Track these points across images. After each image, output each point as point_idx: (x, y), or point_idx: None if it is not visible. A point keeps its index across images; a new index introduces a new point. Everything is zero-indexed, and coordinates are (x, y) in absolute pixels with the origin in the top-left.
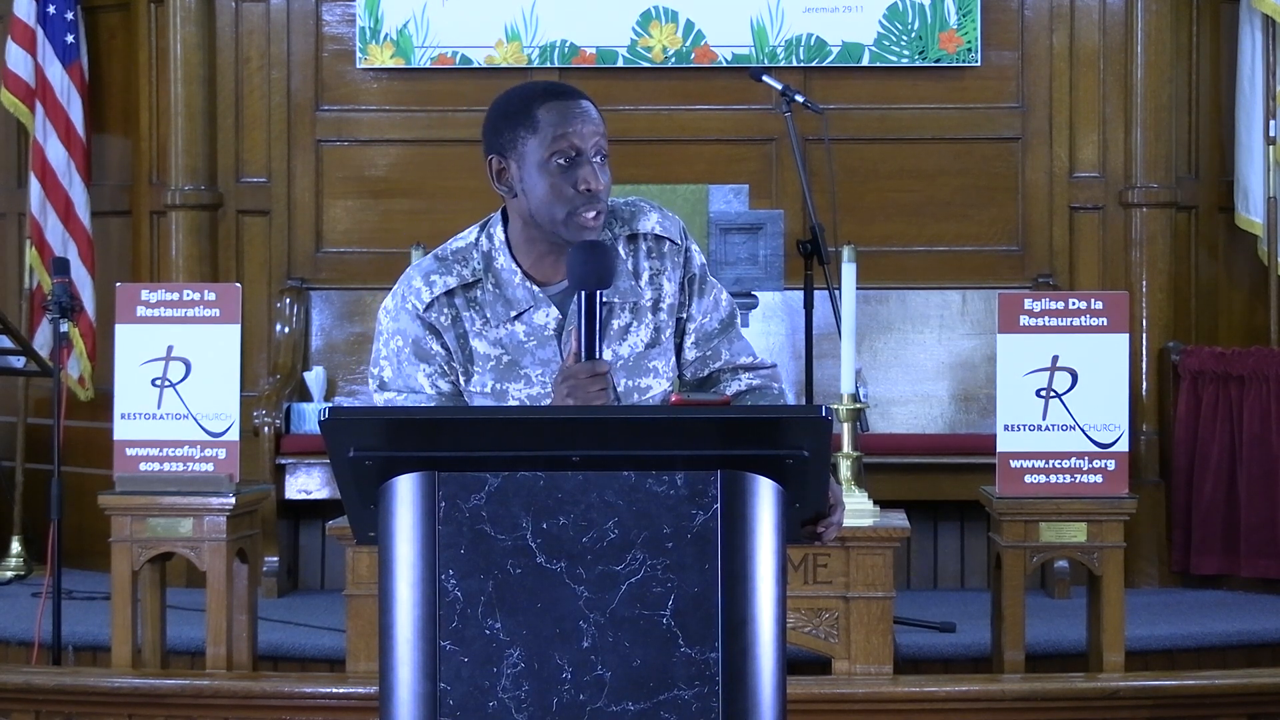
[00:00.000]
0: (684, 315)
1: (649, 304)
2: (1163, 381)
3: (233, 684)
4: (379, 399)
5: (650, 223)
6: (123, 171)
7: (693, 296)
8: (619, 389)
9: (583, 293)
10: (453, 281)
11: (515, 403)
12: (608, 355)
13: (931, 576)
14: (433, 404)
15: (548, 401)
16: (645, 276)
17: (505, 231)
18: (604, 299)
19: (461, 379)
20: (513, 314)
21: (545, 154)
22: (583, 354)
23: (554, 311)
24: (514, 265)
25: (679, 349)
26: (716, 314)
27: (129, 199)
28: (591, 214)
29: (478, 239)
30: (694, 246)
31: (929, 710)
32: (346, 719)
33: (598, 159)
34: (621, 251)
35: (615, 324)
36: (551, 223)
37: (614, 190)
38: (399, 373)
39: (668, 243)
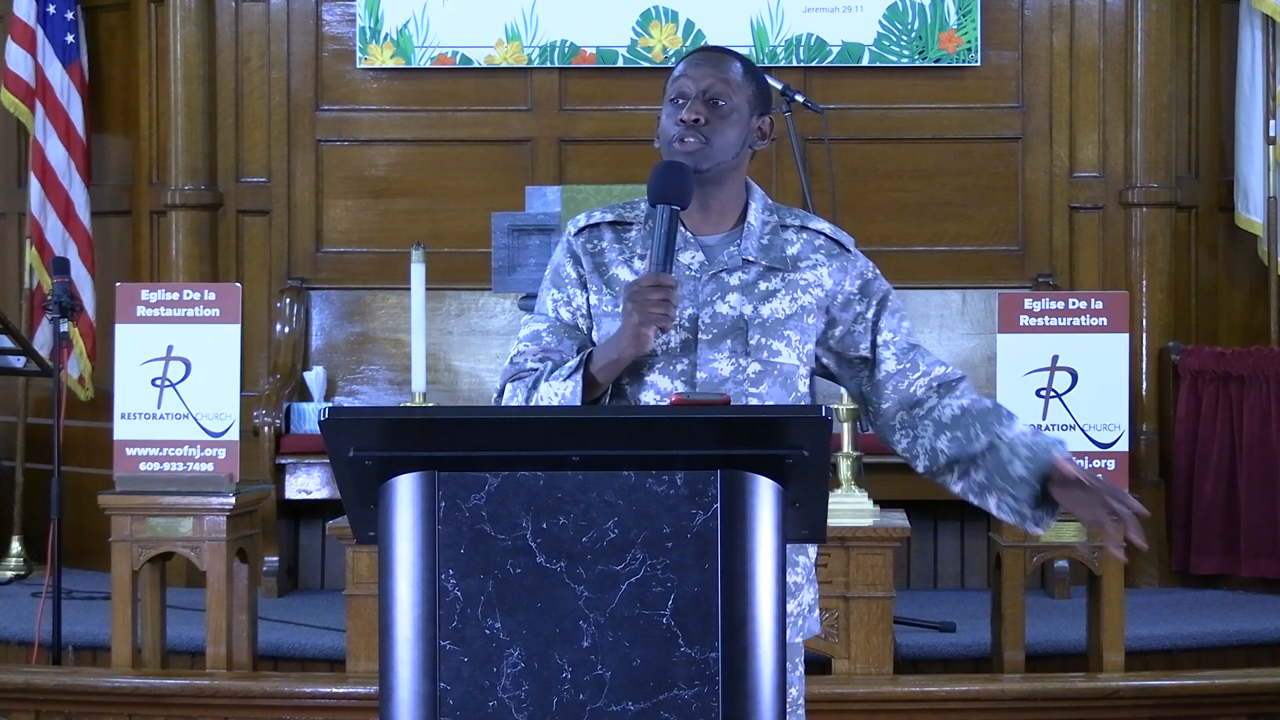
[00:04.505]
0: (876, 334)
1: (801, 282)
2: (1163, 381)
3: (233, 684)
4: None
5: (822, 224)
6: (123, 171)
7: (882, 314)
8: (752, 343)
9: (660, 208)
10: (610, 216)
11: None
12: (747, 310)
13: (931, 576)
14: (544, 324)
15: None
16: (809, 261)
17: None
18: (756, 256)
19: (594, 299)
20: None
21: (666, 98)
22: (654, 267)
23: (700, 255)
24: None
25: (873, 364)
26: (905, 332)
27: (129, 199)
28: (683, 140)
29: None
30: (876, 270)
31: (929, 710)
32: (346, 719)
33: (712, 101)
34: (791, 236)
35: (762, 285)
36: (665, 154)
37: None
38: (540, 299)
39: (838, 246)
